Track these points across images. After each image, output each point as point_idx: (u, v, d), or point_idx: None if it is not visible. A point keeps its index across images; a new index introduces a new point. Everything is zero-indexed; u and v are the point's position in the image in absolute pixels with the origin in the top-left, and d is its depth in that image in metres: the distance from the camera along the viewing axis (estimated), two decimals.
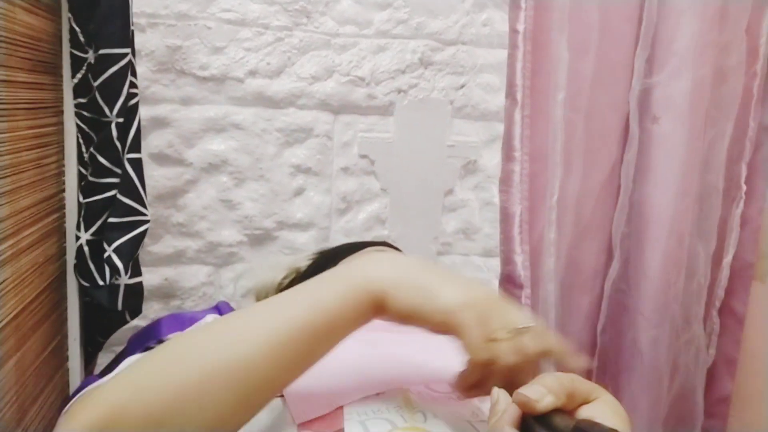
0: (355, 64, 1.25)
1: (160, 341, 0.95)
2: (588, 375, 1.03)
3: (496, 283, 1.35)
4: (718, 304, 1.01)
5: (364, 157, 1.29)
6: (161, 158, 1.20)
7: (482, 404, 0.61)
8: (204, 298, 1.27)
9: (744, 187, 0.97)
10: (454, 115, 1.31)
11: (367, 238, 1.31)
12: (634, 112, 0.92)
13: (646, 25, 0.89)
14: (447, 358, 0.72)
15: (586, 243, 0.97)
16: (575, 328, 0.99)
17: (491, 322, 0.49)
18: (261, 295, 1.10)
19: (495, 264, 1.35)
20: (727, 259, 0.99)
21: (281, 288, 1.05)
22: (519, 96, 0.89)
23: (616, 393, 0.89)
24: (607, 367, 1.01)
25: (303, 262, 1.08)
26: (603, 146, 0.94)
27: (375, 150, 1.29)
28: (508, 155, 0.90)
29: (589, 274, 0.99)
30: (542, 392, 0.42)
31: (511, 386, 0.46)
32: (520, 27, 0.88)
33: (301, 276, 1.04)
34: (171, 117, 1.20)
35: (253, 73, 1.22)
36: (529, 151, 0.90)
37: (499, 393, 0.46)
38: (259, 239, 1.27)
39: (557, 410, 0.42)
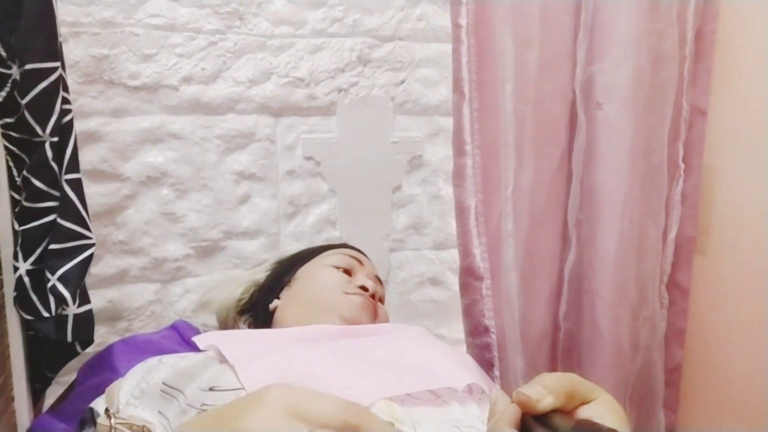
0: (293, 65, 1.23)
1: (114, 368, 0.90)
2: (553, 361, 1.05)
3: (449, 275, 1.37)
4: (666, 279, 1.05)
5: (309, 158, 1.27)
6: (95, 174, 1.14)
7: (465, 408, 0.61)
8: (153, 317, 1.22)
9: (683, 166, 1.02)
10: (396, 111, 1.30)
11: (318, 241, 1.29)
12: (580, 100, 0.94)
13: (585, 15, 0.92)
14: (420, 357, 0.72)
15: (543, 231, 0.99)
16: (537, 316, 1.01)
17: None
18: (221, 313, 1.07)
19: (447, 256, 1.37)
20: (672, 235, 1.04)
21: (241, 304, 1.02)
22: (466, 90, 0.89)
23: (582, 376, 0.91)
24: (572, 351, 1.04)
25: (260, 274, 1.05)
26: (552, 135, 0.96)
27: (320, 151, 1.27)
28: (459, 149, 0.90)
29: (548, 262, 1.01)
30: (542, 392, 0.42)
31: None
32: (463, 21, 0.89)
33: (259, 288, 1.01)
34: (102, 130, 1.14)
35: (187, 80, 1.17)
36: (480, 144, 0.91)
37: (497, 394, 0.46)
38: (207, 251, 1.23)
39: (556, 410, 0.43)
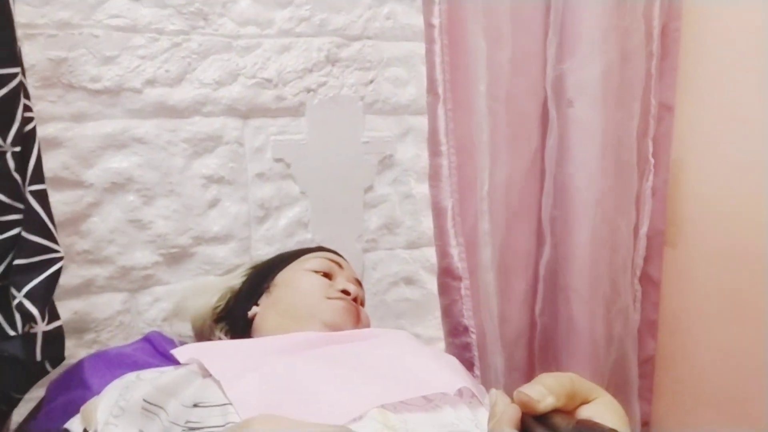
0: (261, 66, 1.20)
1: (86, 385, 0.87)
2: (530, 357, 1.07)
3: (423, 274, 1.37)
4: (638, 272, 1.08)
5: (279, 160, 1.25)
6: (57, 182, 1.09)
7: (457, 412, 0.61)
8: (121, 328, 1.18)
9: (652, 161, 1.04)
10: (365, 110, 1.29)
11: (290, 244, 1.27)
12: (551, 98, 0.95)
13: (554, 14, 0.92)
14: (410, 363, 0.72)
15: (517, 229, 1.00)
16: (514, 313, 1.02)
17: None
18: (197, 322, 1.04)
19: (420, 255, 1.36)
20: (644, 230, 1.06)
21: (217, 312, 1.00)
22: (441, 90, 0.89)
23: (559, 370, 0.93)
24: (548, 347, 1.06)
25: (236, 280, 1.03)
26: (524, 133, 0.97)
27: (289, 152, 1.25)
28: (434, 150, 0.90)
29: (523, 259, 1.02)
30: (543, 393, 0.42)
31: None
32: (436, 21, 0.88)
33: (236, 295, 0.99)
34: (63, 136, 1.09)
35: (151, 83, 1.13)
36: (455, 145, 0.91)
37: (497, 394, 0.45)
38: (176, 258, 1.20)
39: (557, 410, 0.43)
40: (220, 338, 0.96)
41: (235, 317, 0.97)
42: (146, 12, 1.11)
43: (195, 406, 0.60)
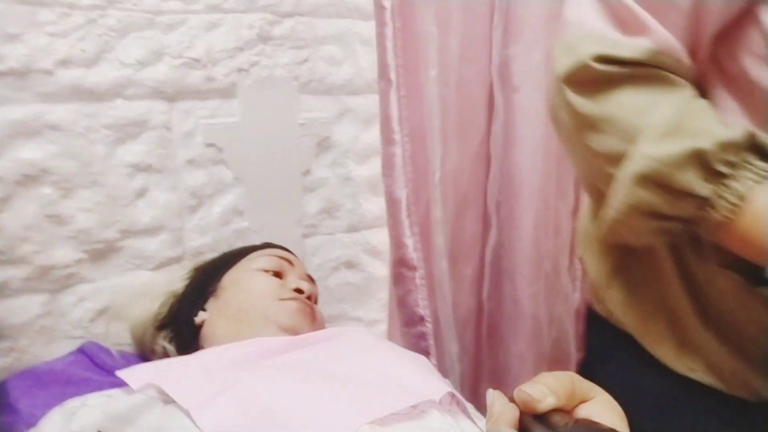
0: (187, 45, 1.12)
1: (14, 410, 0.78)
2: (478, 340, 1.08)
3: (363, 257, 1.35)
4: (578, 254, 1.11)
5: (210, 145, 1.17)
6: None
7: (444, 417, 0.60)
8: (43, 333, 1.08)
9: None
10: (300, 91, 1.24)
11: (226, 233, 1.21)
12: (497, 84, 0.95)
13: None
14: (388, 370, 0.70)
15: (465, 215, 1.00)
16: (462, 297, 1.03)
17: None
18: (137, 331, 0.96)
19: (361, 238, 1.34)
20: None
21: (159, 318, 0.93)
22: (393, 76, 0.86)
23: (506, 353, 0.95)
24: (496, 330, 1.08)
25: (178, 284, 0.96)
26: (472, 119, 0.97)
27: (221, 136, 1.18)
28: (387, 138, 0.88)
29: (470, 244, 1.03)
30: (544, 392, 0.42)
31: None
32: (387, 3, 0.85)
33: (179, 300, 0.92)
34: None
35: (65, 63, 1.02)
36: (408, 132, 0.89)
37: (494, 395, 0.45)
38: (102, 253, 1.11)
39: (555, 409, 0.43)
40: (164, 347, 0.90)
41: (179, 324, 0.90)
42: None
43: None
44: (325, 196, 1.30)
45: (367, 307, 1.37)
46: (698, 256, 0.66)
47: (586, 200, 0.80)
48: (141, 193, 1.13)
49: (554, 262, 1.06)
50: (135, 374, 0.63)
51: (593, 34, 0.59)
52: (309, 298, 0.86)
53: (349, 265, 1.35)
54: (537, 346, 1.06)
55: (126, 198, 1.11)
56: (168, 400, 0.58)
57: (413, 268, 0.91)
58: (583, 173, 0.67)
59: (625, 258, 0.73)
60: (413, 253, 0.90)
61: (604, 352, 0.77)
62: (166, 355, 0.93)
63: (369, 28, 1.17)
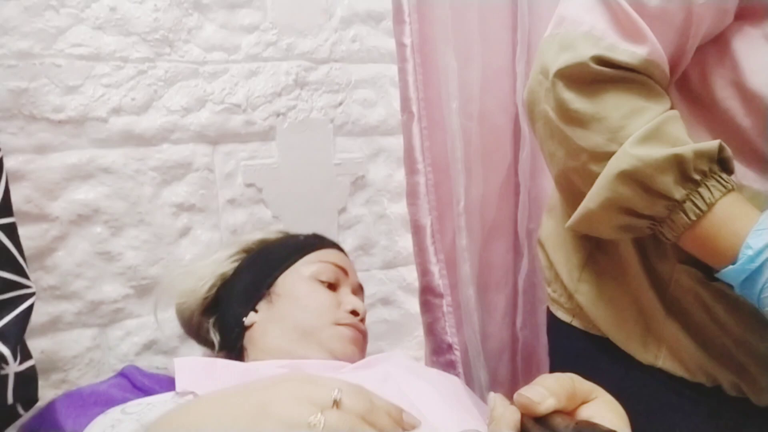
0: (229, 91, 1.19)
1: (59, 427, 0.83)
2: (514, 372, 1.06)
3: (399, 294, 1.36)
4: None
5: (250, 185, 1.23)
6: (20, 216, 1.04)
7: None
8: (92, 365, 1.14)
9: None
10: (336, 133, 1.29)
11: None
12: (522, 113, 0.97)
13: (521, 32, 0.94)
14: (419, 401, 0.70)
15: (495, 244, 1.01)
16: (495, 328, 1.02)
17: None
18: (185, 313, 0.97)
19: (396, 275, 1.36)
20: None
21: (206, 299, 0.94)
22: (415, 109, 0.90)
23: None
24: (531, 360, 1.06)
25: (227, 266, 0.96)
26: (497, 149, 0.98)
27: (261, 177, 1.24)
28: (411, 168, 0.90)
29: (501, 274, 1.02)
30: (544, 394, 0.42)
31: None
32: (407, 40, 0.89)
33: (228, 289, 0.93)
34: (25, 168, 1.06)
35: (117, 111, 1.11)
36: (431, 162, 0.91)
37: (495, 398, 0.45)
38: (148, 289, 1.16)
39: (556, 411, 0.42)
40: (209, 336, 0.90)
41: (227, 319, 0.90)
42: (110, 40, 1.10)
43: None
44: (361, 233, 1.33)
45: (404, 345, 1.37)
46: (659, 252, 0.70)
47: (555, 199, 0.81)
48: (184, 232, 1.19)
49: None
50: (184, 373, 0.65)
51: (593, 35, 0.62)
52: (362, 320, 0.86)
53: (386, 302, 1.36)
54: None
55: (170, 236, 1.17)
56: None
57: (440, 296, 0.92)
58: (559, 167, 0.69)
59: (594, 252, 0.77)
60: (439, 280, 0.91)
61: (573, 359, 0.79)
62: (210, 343, 0.94)
63: None
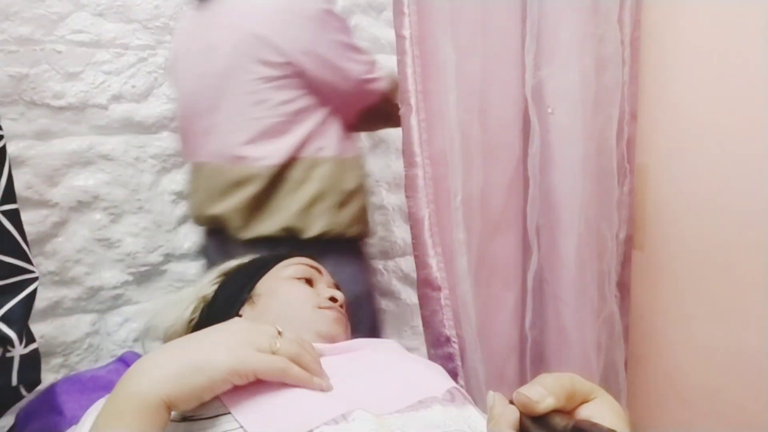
0: None
1: (59, 411, 0.84)
2: (522, 371, 1.07)
3: (396, 284, 1.37)
4: (615, 277, 1.08)
5: None
6: (20, 202, 1.03)
7: (447, 411, 0.61)
8: (90, 350, 1.15)
9: (628, 167, 1.06)
10: None
11: None
12: (531, 106, 0.96)
13: (531, 22, 0.94)
14: (398, 369, 0.72)
15: (501, 239, 1.00)
16: (501, 326, 1.01)
17: (261, 343, 0.58)
18: (171, 333, 1.00)
19: (393, 266, 1.37)
20: (622, 235, 1.07)
21: (192, 324, 0.97)
22: (413, 101, 0.89)
23: None
24: (541, 360, 1.05)
25: (207, 289, 0.99)
26: (504, 142, 0.98)
27: None
28: (409, 161, 0.90)
29: (510, 270, 1.02)
30: (542, 393, 0.42)
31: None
32: (406, 32, 0.89)
33: (211, 305, 0.96)
34: (25, 154, 1.06)
35: (117, 98, 1.11)
36: (429, 155, 0.91)
37: (494, 397, 0.45)
38: (147, 276, 1.17)
39: (556, 410, 0.43)
40: None
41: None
42: (111, 27, 1.10)
43: (184, 420, 0.58)
44: None
45: (402, 335, 1.38)
46: None
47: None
48: (184, 220, 1.19)
49: (600, 288, 1.03)
50: None
51: None
52: (341, 306, 0.88)
53: (383, 292, 1.37)
54: (585, 376, 1.02)
55: (170, 224, 1.18)
56: None
57: (438, 289, 0.92)
58: None
59: None
60: (437, 273, 0.91)
61: None
62: None
63: None
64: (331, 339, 0.80)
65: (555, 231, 1.00)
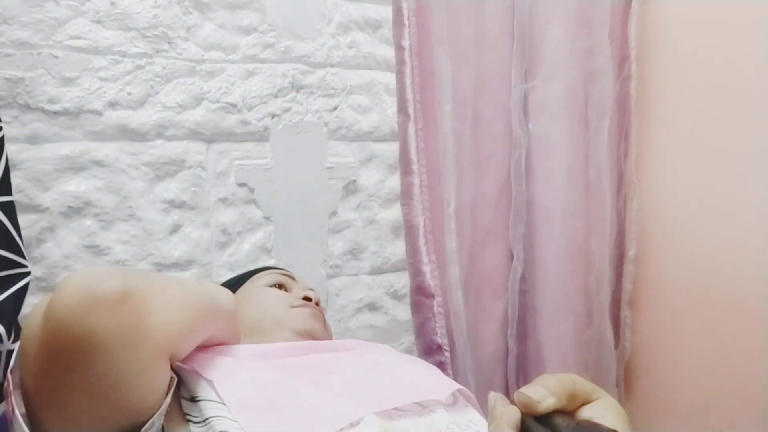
0: (225, 91, 1.20)
1: None
2: (507, 382, 1.06)
3: (387, 299, 1.37)
4: (627, 297, 1.08)
5: (242, 185, 1.24)
6: None
7: (451, 415, 0.61)
8: None
9: (636, 183, 1.07)
10: (329, 137, 1.30)
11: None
12: (515, 117, 0.98)
13: (519, 36, 0.96)
14: (400, 371, 0.71)
15: (490, 249, 1.01)
16: (490, 336, 1.01)
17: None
18: None
19: (384, 281, 1.36)
20: (631, 253, 1.07)
21: None
22: (411, 110, 0.91)
23: None
24: (519, 372, 1.05)
25: None
26: (494, 153, 0.99)
27: (253, 177, 1.24)
28: (406, 169, 0.92)
29: (499, 280, 1.02)
30: (544, 393, 0.42)
31: None
32: (405, 43, 0.91)
33: None
34: (17, 158, 1.05)
35: (112, 105, 1.11)
36: (425, 164, 0.92)
37: (495, 397, 0.45)
38: None
39: (557, 411, 0.43)
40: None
41: None
42: (109, 34, 1.10)
43: (188, 421, 0.57)
44: (351, 237, 1.33)
45: None
46: None
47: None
48: (175, 229, 1.18)
49: (587, 303, 1.03)
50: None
51: None
52: (317, 304, 0.88)
53: (372, 307, 1.36)
54: None
55: (160, 232, 1.17)
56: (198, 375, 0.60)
57: (431, 296, 0.92)
58: None
59: None
60: (431, 281, 0.91)
61: None
62: None
63: (395, 79, 1.24)
64: (310, 335, 0.80)
65: (535, 241, 1.02)
